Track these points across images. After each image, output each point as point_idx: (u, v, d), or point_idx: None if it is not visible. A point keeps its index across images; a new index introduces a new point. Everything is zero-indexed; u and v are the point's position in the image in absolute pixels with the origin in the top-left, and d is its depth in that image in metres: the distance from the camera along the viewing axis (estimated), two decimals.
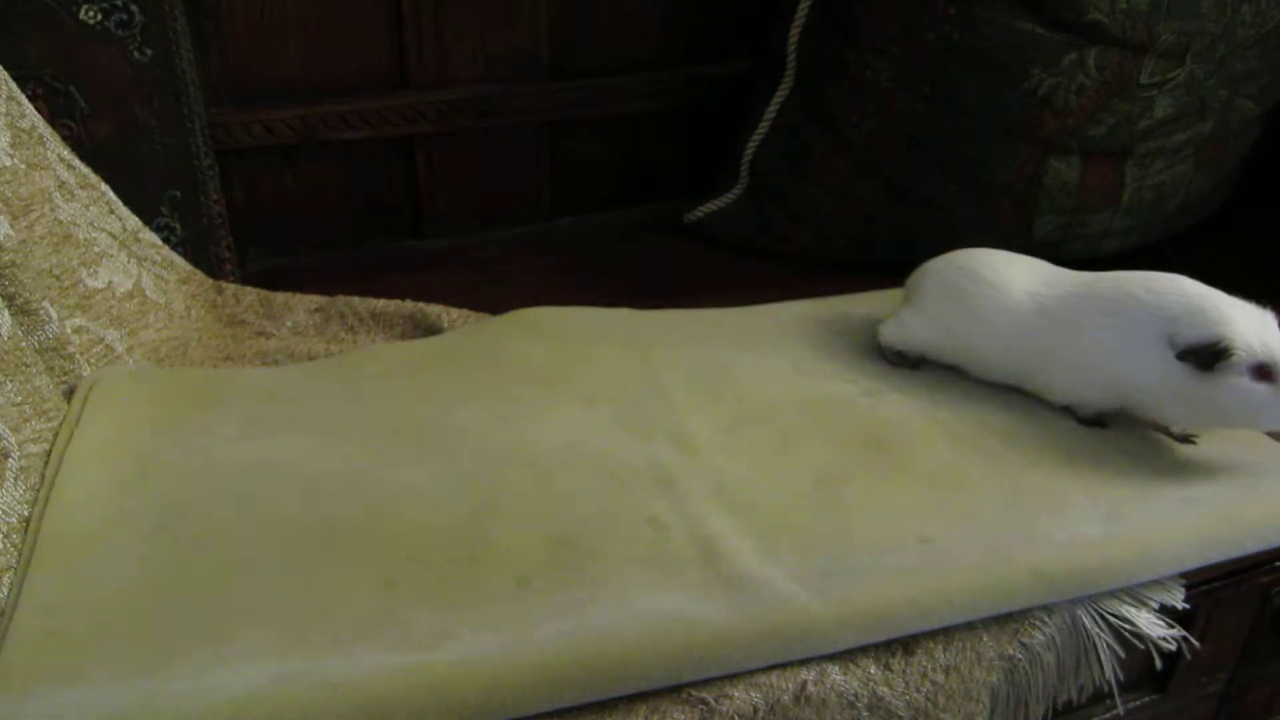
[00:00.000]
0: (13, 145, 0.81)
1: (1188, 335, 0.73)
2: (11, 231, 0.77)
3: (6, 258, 0.75)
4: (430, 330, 0.95)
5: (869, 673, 0.63)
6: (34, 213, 0.81)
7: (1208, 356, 0.71)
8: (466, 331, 0.94)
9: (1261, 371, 0.71)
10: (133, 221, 0.93)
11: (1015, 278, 0.83)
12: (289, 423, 0.80)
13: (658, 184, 1.26)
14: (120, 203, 0.92)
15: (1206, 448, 0.80)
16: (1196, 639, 0.72)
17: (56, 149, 0.86)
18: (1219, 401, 0.72)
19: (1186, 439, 0.80)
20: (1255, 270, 1.16)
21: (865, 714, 0.64)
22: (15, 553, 0.66)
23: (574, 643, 0.60)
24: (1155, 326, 0.75)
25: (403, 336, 0.95)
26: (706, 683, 0.61)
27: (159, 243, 0.96)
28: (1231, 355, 0.70)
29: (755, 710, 0.61)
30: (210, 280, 0.99)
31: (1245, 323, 0.72)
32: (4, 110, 0.81)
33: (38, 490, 0.71)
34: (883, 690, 0.64)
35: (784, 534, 0.69)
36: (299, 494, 0.72)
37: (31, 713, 0.55)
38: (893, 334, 0.90)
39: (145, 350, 0.89)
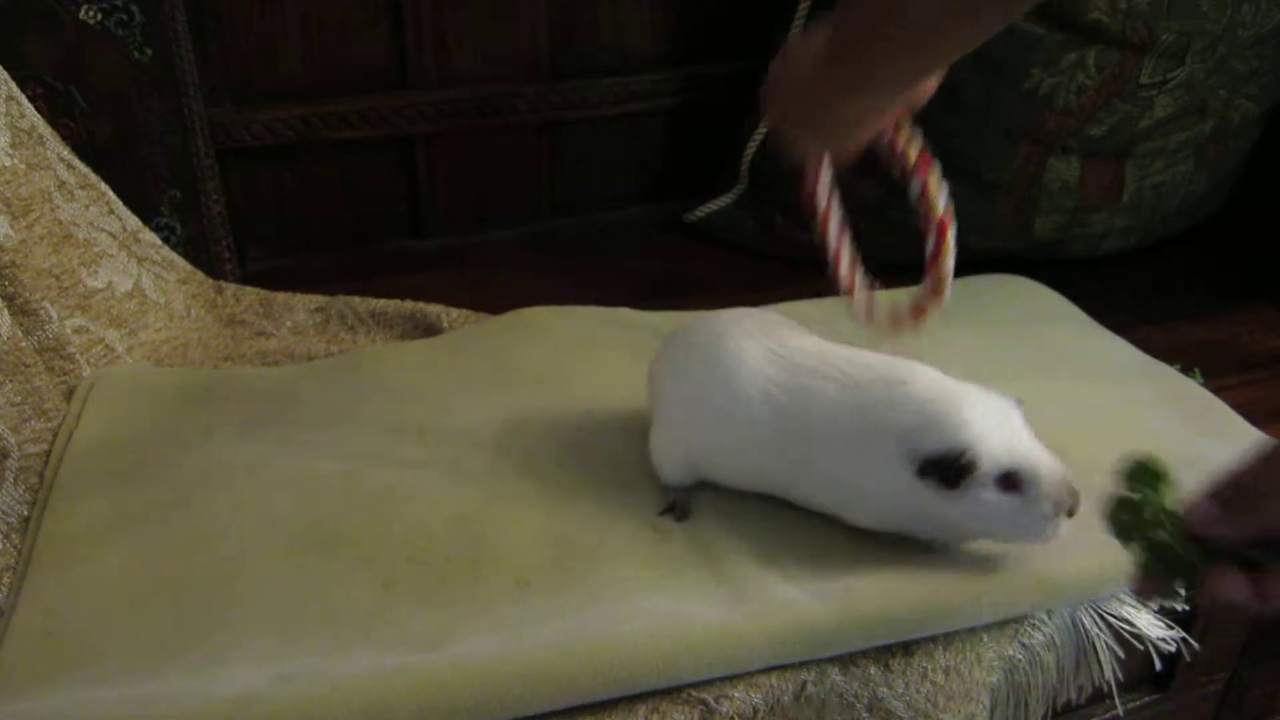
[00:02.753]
0: (13, 145, 0.81)
1: (926, 447, 0.61)
2: (11, 231, 0.77)
3: (6, 258, 0.76)
4: (430, 330, 0.95)
5: (869, 673, 0.63)
6: (34, 213, 0.81)
7: (950, 473, 0.60)
8: (466, 331, 0.94)
9: (1008, 481, 0.61)
10: (133, 221, 0.93)
11: (749, 356, 0.67)
12: (289, 423, 0.80)
13: (658, 184, 1.26)
14: (120, 203, 0.92)
15: (1207, 448, 0.80)
16: (1196, 639, 0.72)
17: (56, 149, 0.86)
18: (966, 519, 0.63)
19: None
20: (1255, 270, 1.16)
21: (865, 714, 0.64)
22: (15, 553, 0.66)
23: (574, 643, 0.60)
24: (891, 438, 0.63)
25: (403, 336, 0.95)
26: (706, 683, 0.61)
27: (159, 243, 0.96)
28: (976, 469, 0.60)
29: (755, 710, 0.61)
30: (210, 280, 0.99)
31: (985, 424, 0.61)
32: (4, 110, 0.81)
33: (37, 490, 0.71)
34: (882, 691, 0.64)
35: (785, 537, 0.69)
36: (299, 494, 0.72)
37: (31, 713, 0.55)
38: (662, 466, 0.72)
39: (145, 350, 0.89)
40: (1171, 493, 0.52)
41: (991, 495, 0.61)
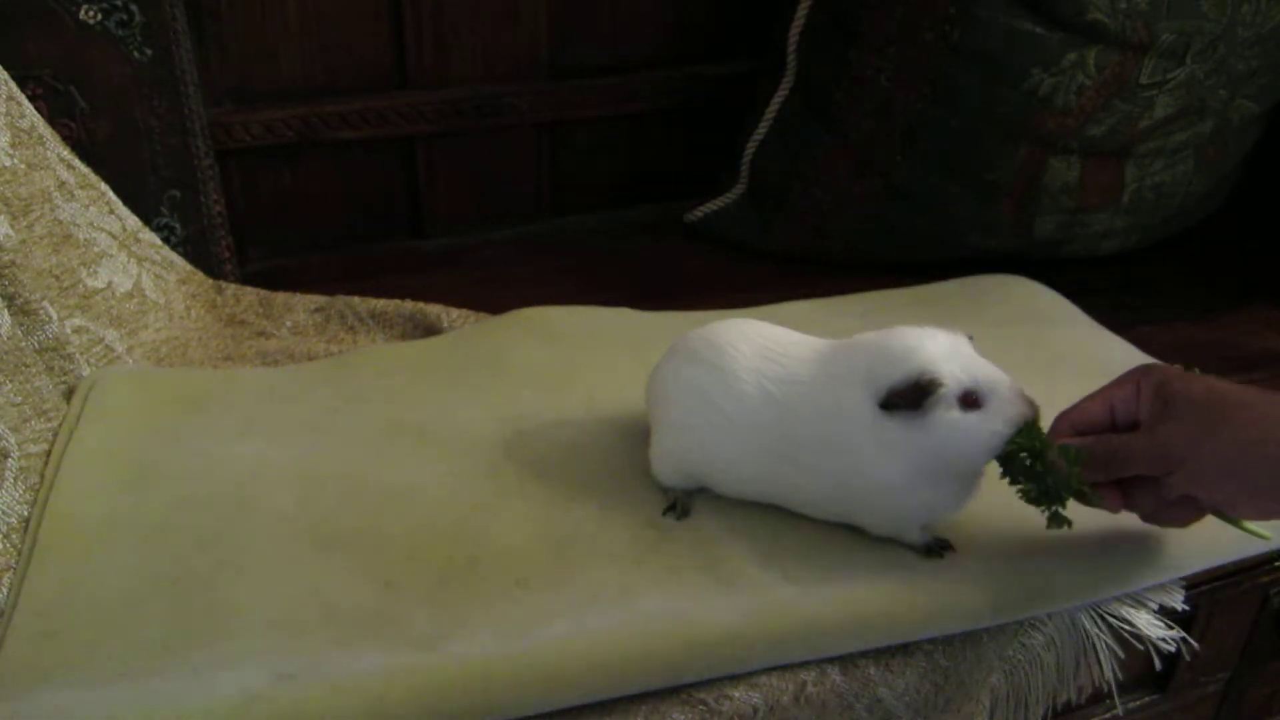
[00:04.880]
0: (13, 145, 0.81)
1: (886, 378, 0.63)
2: (11, 231, 0.77)
3: (6, 258, 0.76)
4: (430, 330, 0.95)
5: (868, 673, 0.63)
6: (34, 213, 0.81)
7: (914, 395, 0.62)
8: (466, 331, 0.94)
9: (968, 399, 0.63)
10: (133, 221, 0.93)
11: (746, 356, 0.69)
12: (289, 423, 0.80)
13: (658, 184, 1.26)
14: (120, 203, 0.92)
15: None
16: (1196, 639, 0.72)
17: (56, 149, 0.86)
18: (934, 442, 0.63)
19: (943, 548, 0.69)
20: (1255, 270, 1.16)
21: (864, 715, 0.64)
22: (15, 553, 0.66)
23: (574, 643, 0.60)
24: (852, 383, 0.65)
25: (403, 336, 0.95)
26: (706, 683, 0.61)
27: (159, 243, 0.96)
28: (938, 386, 0.62)
29: (755, 710, 0.61)
30: (210, 280, 0.99)
31: (937, 348, 0.63)
32: (4, 110, 0.81)
33: (37, 490, 0.71)
34: (882, 691, 0.64)
35: (785, 538, 0.69)
36: (299, 494, 0.72)
37: (31, 713, 0.55)
38: (660, 471, 0.73)
39: (145, 350, 0.89)
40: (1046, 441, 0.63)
41: (956, 414, 0.62)
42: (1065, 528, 0.63)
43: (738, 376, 0.68)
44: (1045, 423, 0.65)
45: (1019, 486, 0.64)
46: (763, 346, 0.69)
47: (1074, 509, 0.63)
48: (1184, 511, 0.63)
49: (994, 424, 0.63)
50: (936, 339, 0.64)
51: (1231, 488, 0.60)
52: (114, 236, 0.90)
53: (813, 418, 0.66)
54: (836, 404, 0.65)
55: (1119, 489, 0.64)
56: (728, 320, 0.73)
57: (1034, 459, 0.63)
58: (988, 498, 0.73)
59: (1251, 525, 0.64)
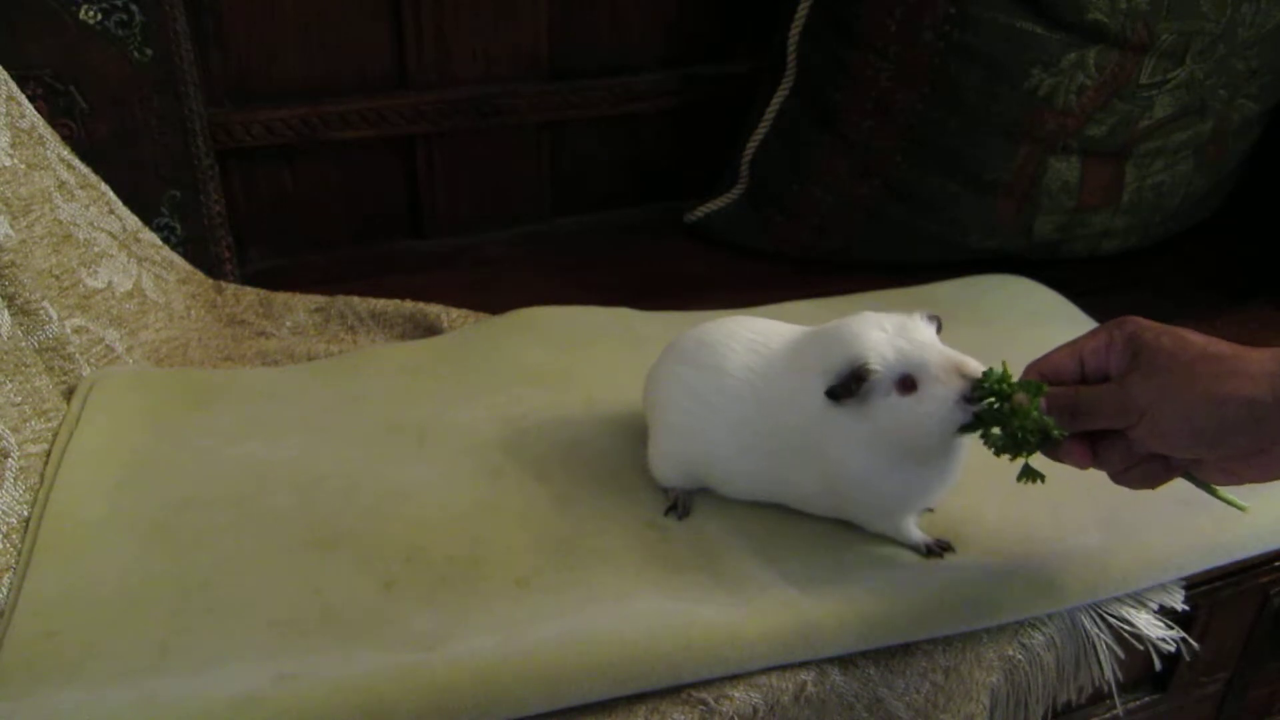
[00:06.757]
0: (13, 145, 0.81)
1: (830, 370, 0.64)
2: (11, 231, 0.77)
3: (6, 258, 0.76)
4: (430, 330, 0.95)
5: (868, 674, 0.63)
6: (34, 213, 0.81)
7: (850, 383, 0.62)
8: (466, 331, 0.94)
9: (905, 384, 0.62)
10: (133, 221, 0.93)
11: (737, 352, 0.70)
12: (289, 423, 0.80)
13: (658, 184, 1.26)
14: (120, 203, 0.92)
15: None
16: (1196, 639, 0.72)
17: (56, 149, 0.86)
18: (881, 428, 0.63)
19: (944, 548, 0.69)
20: (1255, 270, 1.16)
21: (865, 715, 0.64)
22: (15, 553, 0.66)
23: (574, 643, 0.60)
24: (808, 375, 0.65)
25: (403, 336, 0.95)
26: (706, 683, 0.61)
27: (159, 243, 0.96)
28: (870, 373, 0.62)
29: (755, 710, 0.61)
30: (210, 280, 0.99)
31: (877, 336, 0.63)
32: (4, 110, 0.81)
33: (37, 490, 0.71)
34: (882, 691, 0.64)
35: (784, 538, 0.69)
36: (299, 494, 0.72)
37: (31, 713, 0.55)
38: (660, 472, 0.73)
39: (145, 350, 0.89)
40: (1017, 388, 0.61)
41: (893, 399, 0.63)
42: (1038, 481, 0.61)
43: (730, 375, 0.69)
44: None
45: (986, 436, 0.61)
46: (750, 342, 0.70)
47: (1071, 505, 0.63)
48: (1153, 471, 0.61)
49: (927, 405, 0.62)
50: (883, 325, 0.64)
51: (1195, 444, 0.57)
52: (114, 236, 0.90)
53: (783, 409, 0.66)
54: (796, 395, 0.66)
55: (1087, 444, 0.61)
56: (720, 319, 0.73)
57: (1000, 401, 0.60)
58: (987, 497, 0.73)
59: (1225, 493, 0.62)
